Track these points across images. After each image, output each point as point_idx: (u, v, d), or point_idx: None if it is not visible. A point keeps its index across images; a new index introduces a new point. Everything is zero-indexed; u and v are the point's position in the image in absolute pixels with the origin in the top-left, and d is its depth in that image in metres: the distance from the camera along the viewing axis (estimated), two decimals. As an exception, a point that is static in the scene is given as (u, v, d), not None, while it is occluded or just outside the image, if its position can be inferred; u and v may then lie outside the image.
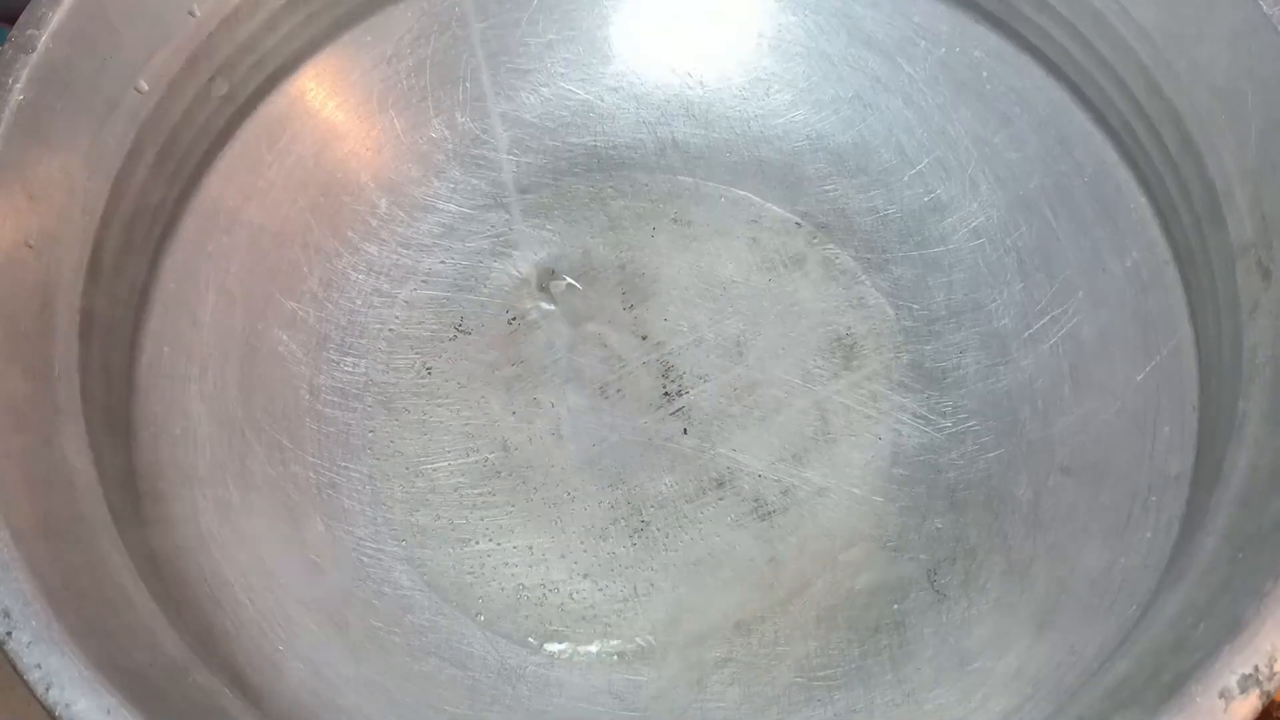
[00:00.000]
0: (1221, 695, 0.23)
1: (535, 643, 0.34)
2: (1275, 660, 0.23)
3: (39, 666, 0.23)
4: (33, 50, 0.30)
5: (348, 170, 0.40)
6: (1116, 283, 0.36)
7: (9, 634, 0.23)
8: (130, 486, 0.31)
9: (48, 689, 0.23)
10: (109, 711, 0.23)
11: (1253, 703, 0.23)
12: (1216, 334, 0.32)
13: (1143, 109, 0.35)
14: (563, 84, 0.42)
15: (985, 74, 0.40)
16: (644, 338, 0.39)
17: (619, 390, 0.38)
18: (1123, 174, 0.37)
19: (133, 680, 0.24)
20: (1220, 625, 0.24)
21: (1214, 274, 0.33)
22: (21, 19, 0.30)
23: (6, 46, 0.30)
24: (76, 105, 0.31)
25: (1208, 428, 0.32)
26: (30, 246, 0.29)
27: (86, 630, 0.24)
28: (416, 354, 0.38)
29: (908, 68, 0.41)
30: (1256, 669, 0.23)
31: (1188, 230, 0.34)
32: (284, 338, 0.37)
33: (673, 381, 0.38)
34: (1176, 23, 0.34)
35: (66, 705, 0.23)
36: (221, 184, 0.37)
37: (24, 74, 0.30)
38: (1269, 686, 0.23)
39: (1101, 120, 0.37)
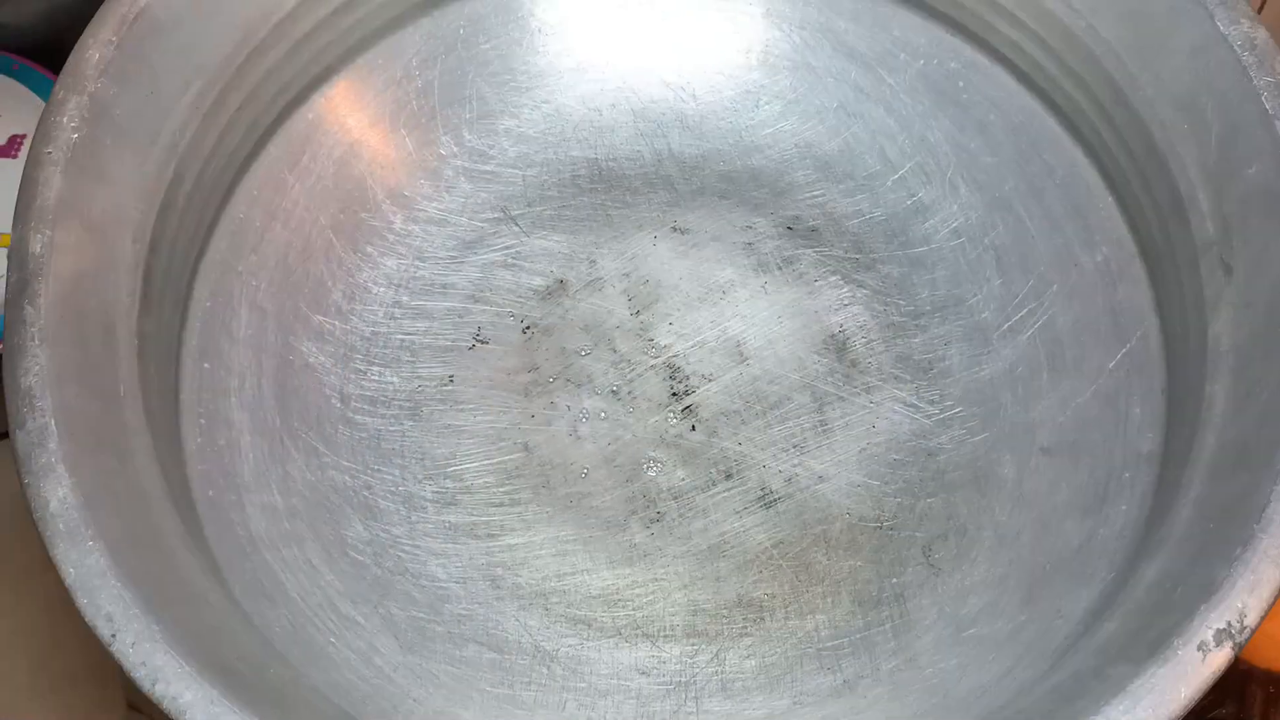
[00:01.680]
0: (1200, 648, 0.26)
1: (565, 626, 0.36)
2: (1245, 616, 0.26)
3: (144, 665, 0.25)
4: (84, 91, 0.32)
5: (364, 188, 0.41)
6: (1088, 277, 0.39)
7: (114, 635, 0.25)
8: (187, 497, 0.33)
9: (154, 684, 0.25)
10: (213, 702, 0.25)
11: (1226, 653, 0.26)
12: (1183, 324, 0.35)
13: (1110, 117, 0.37)
14: (563, 100, 0.44)
15: (962, 84, 0.42)
16: (651, 341, 0.41)
17: (630, 392, 0.40)
18: (1091, 176, 0.39)
19: (226, 674, 0.26)
20: (1197, 588, 0.27)
21: (1179, 269, 0.35)
22: (69, 63, 0.32)
23: (58, 89, 0.32)
24: (124, 140, 0.32)
25: (1176, 409, 0.34)
26: (91, 276, 0.31)
27: (181, 631, 0.26)
28: (439, 363, 0.40)
29: (889, 79, 0.43)
30: (1229, 624, 0.26)
31: (1153, 228, 0.36)
32: (314, 349, 0.39)
33: (680, 382, 0.40)
34: (1140, 39, 0.36)
35: (174, 699, 0.24)
36: (248, 205, 0.39)
37: (77, 114, 0.31)
38: (1240, 639, 0.26)
39: (1071, 126, 0.40)
